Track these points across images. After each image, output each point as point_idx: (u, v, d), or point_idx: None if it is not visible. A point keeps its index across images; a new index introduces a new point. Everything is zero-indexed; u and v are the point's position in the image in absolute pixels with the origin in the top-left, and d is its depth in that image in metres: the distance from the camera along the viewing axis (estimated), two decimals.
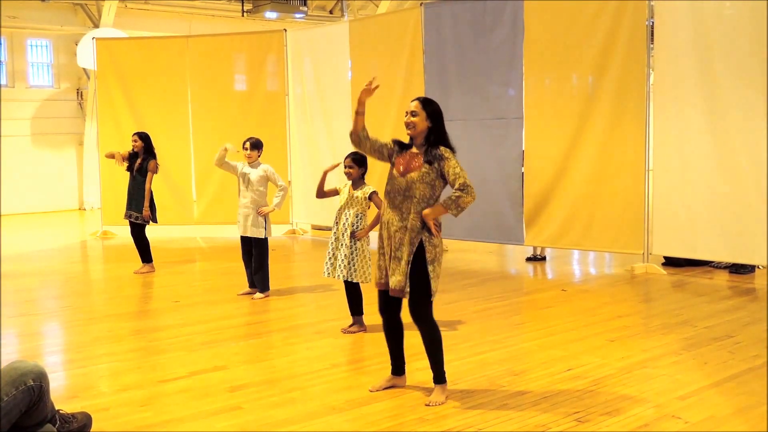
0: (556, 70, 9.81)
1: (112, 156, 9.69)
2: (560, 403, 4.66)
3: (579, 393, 4.86)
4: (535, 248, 10.43)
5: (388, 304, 4.90)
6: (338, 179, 6.89)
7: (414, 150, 4.77)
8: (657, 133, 9.09)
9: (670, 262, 9.44)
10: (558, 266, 10.19)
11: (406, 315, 4.91)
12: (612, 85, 9.28)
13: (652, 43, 9.15)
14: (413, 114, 4.71)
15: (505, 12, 10.10)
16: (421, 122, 4.71)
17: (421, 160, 4.68)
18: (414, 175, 4.67)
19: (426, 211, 4.64)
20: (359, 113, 4.83)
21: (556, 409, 4.57)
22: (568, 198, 9.75)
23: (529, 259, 10.41)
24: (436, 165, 4.65)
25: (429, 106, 4.73)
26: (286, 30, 13.37)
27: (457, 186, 4.58)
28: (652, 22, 9.07)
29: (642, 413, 4.49)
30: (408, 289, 4.66)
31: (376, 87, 4.81)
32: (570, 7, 9.56)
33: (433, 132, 4.72)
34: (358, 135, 4.86)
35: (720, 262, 9.28)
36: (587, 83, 9.60)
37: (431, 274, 4.66)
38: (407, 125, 4.74)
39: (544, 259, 10.40)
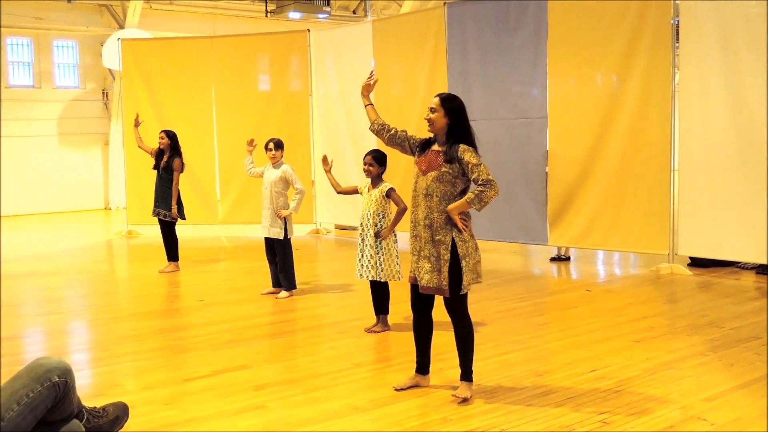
0: (580, 70, 9.76)
1: (138, 124, 10.01)
2: (585, 404, 4.64)
3: (604, 394, 4.83)
4: (559, 248, 10.38)
5: (421, 300, 4.90)
6: (360, 178, 6.91)
7: (436, 148, 4.77)
8: (682, 132, 9.01)
9: (696, 263, 9.36)
10: (582, 266, 10.13)
11: (437, 314, 4.92)
12: (637, 85, 9.22)
13: (677, 42, 9.08)
14: (432, 111, 4.73)
15: (528, 11, 10.06)
16: (440, 119, 4.71)
17: (441, 159, 4.68)
18: (435, 173, 4.68)
19: (450, 207, 4.64)
20: (366, 106, 5.16)
21: (580, 409, 4.54)
22: (593, 198, 9.69)
23: (553, 259, 10.35)
24: (456, 163, 4.64)
25: (449, 103, 4.73)
26: (309, 30, 13.39)
27: (480, 182, 4.57)
28: (677, 21, 8.99)
29: (667, 415, 4.46)
30: (446, 287, 4.65)
31: (376, 81, 5.18)
32: (594, 6, 9.51)
33: (453, 129, 4.71)
34: (374, 126, 5.10)
35: (746, 263, 9.18)
36: (612, 82, 9.54)
37: (464, 269, 4.65)
38: (427, 121, 4.76)
39: (568, 259, 10.35)
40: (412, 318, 5.02)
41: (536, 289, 8.66)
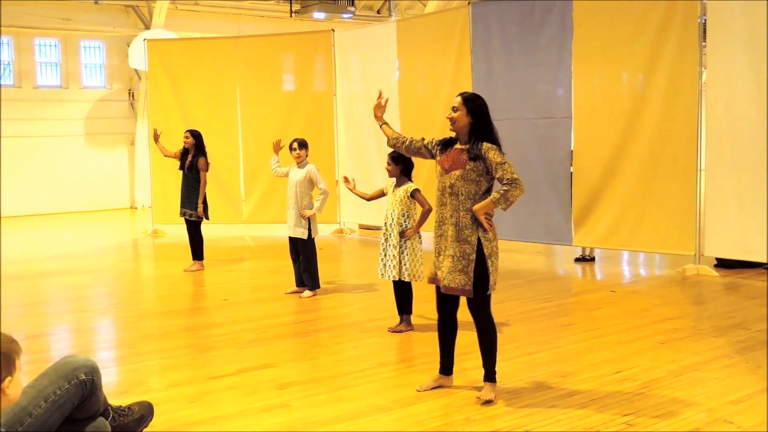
0: (605, 69, 9.70)
1: (157, 138, 10.11)
2: (609, 406, 4.61)
3: (628, 396, 4.80)
4: (583, 249, 10.32)
5: (446, 301, 4.90)
6: (384, 179, 6.94)
7: (459, 146, 4.77)
8: (709, 132, 8.93)
9: (722, 264, 9.28)
10: (607, 267, 10.07)
11: (461, 314, 4.91)
12: (663, 84, 9.15)
13: (704, 42, 9.00)
14: (454, 109, 4.74)
15: (553, 11, 10.02)
16: (462, 117, 4.72)
17: (465, 156, 4.67)
18: (458, 172, 4.67)
19: (476, 207, 4.63)
20: (381, 126, 5.26)
21: (605, 411, 4.52)
22: (618, 198, 9.63)
23: (577, 260, 10.30)
24: (480, 161, 4.63)
25: (471, 103, 4.73)
26: (333, 30, 13.42)
27: (504, 180, 4.56)
28: (704, 20, 8.92)
29: (693, 417, 4.42)
30: (470, 288, 4.64)
31: (387, 101, 5.30)
32: (620, 5, 9.45)
33: (476, 128, 4.70)
34: (390, 141, 5.20)
35: None
36: (637, 82, 9.48)
37: (490, 269, 4.65)
38: (449, 120, 4.77)
39: (593, 259, 10.29)
40: (436, 318, 5.02)
41: (561, 289, 8.62)
